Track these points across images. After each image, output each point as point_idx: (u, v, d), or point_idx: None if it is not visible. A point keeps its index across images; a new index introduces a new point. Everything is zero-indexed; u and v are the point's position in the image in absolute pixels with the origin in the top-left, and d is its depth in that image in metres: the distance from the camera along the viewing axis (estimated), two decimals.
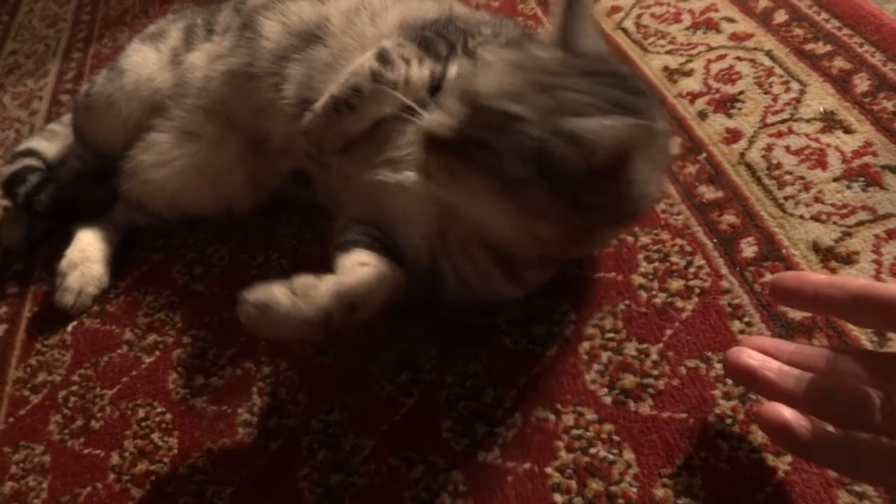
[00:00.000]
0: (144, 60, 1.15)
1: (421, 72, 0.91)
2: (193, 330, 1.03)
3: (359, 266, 0.87)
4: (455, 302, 0.90)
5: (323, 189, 1.06)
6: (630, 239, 0.95)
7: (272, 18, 1.07)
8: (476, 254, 0.85)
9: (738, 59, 1.14)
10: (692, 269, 0.90)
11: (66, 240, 1.20)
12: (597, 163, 0.66)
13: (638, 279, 0.90)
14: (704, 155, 1.02)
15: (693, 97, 1.11)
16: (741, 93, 1.08)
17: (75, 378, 1.02)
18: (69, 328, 1.09)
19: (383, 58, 0.92)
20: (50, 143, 1.28)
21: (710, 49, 1.18)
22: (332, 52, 1.00)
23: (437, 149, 0.74)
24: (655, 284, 0.89)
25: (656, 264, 0.91)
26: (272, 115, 1.04)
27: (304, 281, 0.80)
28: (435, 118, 0.75)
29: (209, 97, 1.10)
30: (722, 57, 1.15)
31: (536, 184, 0.69)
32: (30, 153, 1.24)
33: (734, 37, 1.18)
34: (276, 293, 0.79)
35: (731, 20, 1.22)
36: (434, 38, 0.93)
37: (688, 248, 0.92)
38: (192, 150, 1.12)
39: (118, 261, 1.17)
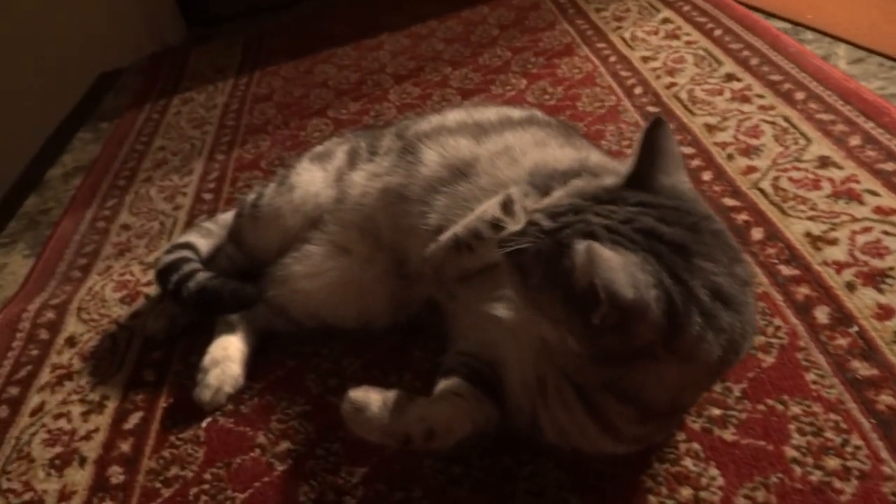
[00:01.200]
0: (312, 178, 1.23)
1: None
2: (327, 443, 1.05)
3: (452, 395, 0.94)
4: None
5: (449, 319, 1.09)
6: (779, 407, 0.94)
7: (433, 148, 1.14)
8: (571, 401, 0.85)
9: (885, 233, 1.15)
10: (849, 449, 0.87)
11: (203, 334, 1.27)
12: (584, 286, 0.70)
13: (790, 451, 0.88)
14: (856, 328, 1.01)
15: (839, 267, 1.11)
16: (891, 269, 1.08)
17: (207, 476, 1.04)
18: (203, 424, 1.13)
19: (506, 207, 0.97)
20: (205, 240, 1.36)
21: (855, 220, 1.19)
22: (473, 189, 1.07)
23: (504, 252, 0.80)
24: (810, 460, 0.87)
25: (809, 438, 0.90)
26: (412, 239, 1.10)
27: (397, 397, 0.90)
28: (511, 227, 0.83)
29: (362, 212, 1.17)
30: (867, 229, 1.16)
31: (547, 289, 0.76)
32: (187, 246, 1.33)
33: (879, 210, 1.19)
34: (372, 400, 0.89)
35: (873, 193, 1.23)
36: None
37: (843, 426, 0.90)
38: (343, 264, 1.18)
39: (253, 362, 1.21)
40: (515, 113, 1.22)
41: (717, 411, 0.95)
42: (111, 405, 1.21)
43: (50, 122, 2.43)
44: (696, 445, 0.92)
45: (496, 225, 0.96)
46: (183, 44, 2.85)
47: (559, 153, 1.08)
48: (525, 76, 1.93)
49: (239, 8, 2.98)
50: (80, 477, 1.09)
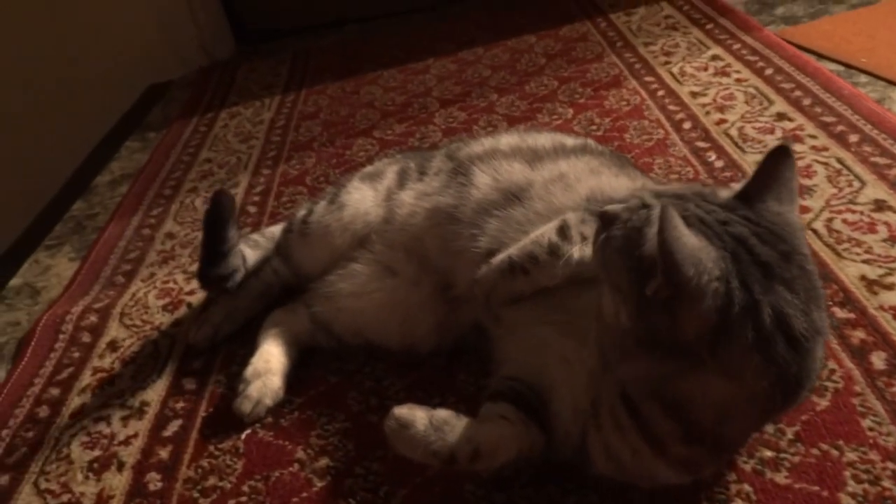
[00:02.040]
0: (363, 197, 1.24)
1: None
2: (367, 461, 1.04)
3: (498, 418, 0.93)
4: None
5: (494, 344, 1.08)
6: (834, 452, 0.91)
7: (486, 172, 1.14)
8: (624, 421, 0.83)
9: None
10: None
11: (244, 345, 1.28)
12: (652, 253, 0.72)
13: (846, 499, 0.86)
14: None
15: None
16: None
17: (245, 489, 1.04)
18: (243, 436, 1.12)
19: (563, 232, 0.97)
20: (252, 251, 1.38)
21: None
22: (527, 214, 1.06)
23: (601, 221, 0.83)
24: None
25: (866, 486, 0.87)
26: (461, 261, 1.10)
27: (443, 415, 0.90)
28: (614, 205, 0.85)
29: (409, 232, 1.18)
30: None
31: (621, 252, 0.78)
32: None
33: None
34: (417, 417, 0.89)
35: None
36: None
37: None
38: (389, 285, 1.18)
39: (294, 376, 1.20)
40: (569, 140, 1.22)
41: (769, 453, 0.93)
42: (151, 411, 1.21)
43: (99, 129, 2.49)
44: (747, 487, 0.90)
45: (553, 251, 0.95)
46: (231, 59, 2.90)
47: (614, 182, 1.08)
48: (572, 106, 1.93)
49: (287, 26, 3.03)
50: (117, 482, 1.09)
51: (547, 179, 1.09)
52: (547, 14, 2.61)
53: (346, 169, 1.85)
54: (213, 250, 1.29)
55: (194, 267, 1.58)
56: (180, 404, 1.22)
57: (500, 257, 1.01)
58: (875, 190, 1.35)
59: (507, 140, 1.23)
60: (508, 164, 1.15)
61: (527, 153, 1.17)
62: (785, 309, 0.73)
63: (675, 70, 2.00)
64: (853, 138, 1.52)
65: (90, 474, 1.12)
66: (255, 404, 1.14)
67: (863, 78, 1.80)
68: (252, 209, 1.78)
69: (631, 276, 0.76)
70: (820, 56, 1.93)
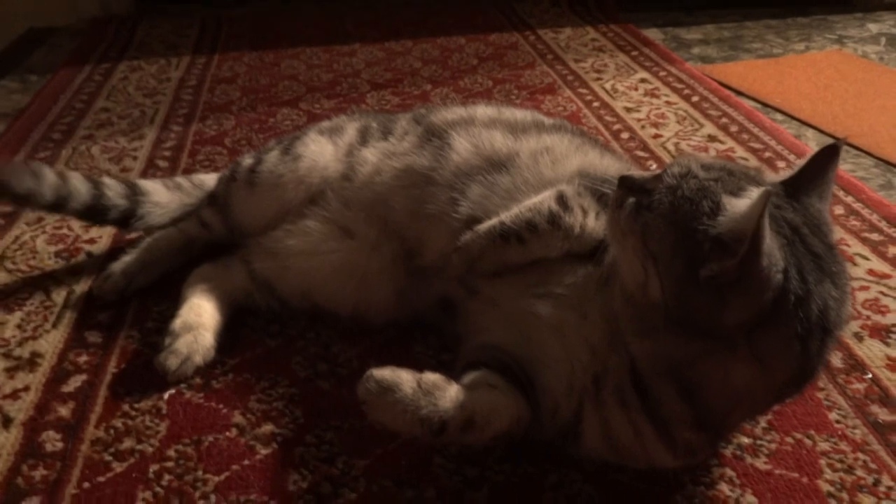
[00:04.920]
0: (322, 150, 1.13)
1: (597, 224, 0.91)
2: (319, 430, 0.92)
3: (487, 387, 0.85)
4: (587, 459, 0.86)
5: (465, 318, 1.01)
6: (808, 441, 0.91)
7: (464, 138, 1.08)
8: (630, 400, 0.79)
9: (883, 294, 1.18)
10: (882, 489, 0.86)
11: (159, 300, 1.14)
12: (722, 233, 0.68)
13: (825, 486, 0.86)
14: (870, 376, 1.02)
15: None
16: (895, 325, 1.11)
17: (171, 454, 0.89)
18: (166, 396, 0.97)
19: (563, 202, 0.92)
20: (169, 191, 1.25)
21: (852, 278, 1.21)
22: (514, 182, 1.01)
23: (624, 187, 0.79)
24: (845, 496, 0.85)
25: (841, 474, 0.87)
26: (434, 226, 1.02)
27: (433, 379, 0.82)
28: (638, 172, 0.81)
29: (372, 191, 1.09)
30: (865, 288, 1.20)
31: (666, 220, 0.72)
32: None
33: (872, 273, 1.24)
34: (403, 379, 0.80)
35: (864, 257, 1.28)
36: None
37: (872, 465, 0.88)
38: (346, 247, 1.07)
39: (223, 337, 1.06)
40: (546, 119, 1.18)
41: (746, 440, 0.92)
42: (45, 364, 1.03)
43: None
44: (729, 471, 0.87)
45: (553, 220, 0.90)
46: (128, 15, 2.65)
47: (603, 161, 1.05)
48: (509, 105, 1.91)
49: None
50: (3, 439, 0.91)
51: (534, 150, 1.04)
52: (476, 20, 2.61)
53: (271, 135, 1.71)
54: None
55: None
56: (83, 358, 1.04)
57: (489, 223, 0.94)
58: None
59: (483, 110, 1.17)
60: (488, 133, 1.09)
61: (506, 124, 1.11)
62: (829, 304, 0.72)
63: (608, 86, 2.04)
64: (781, 164, 1.60)
65: None
66: (183, 361, 0.99)
67: (779, 116, 1.91)
68: (162, 164, 1.60)
69: (677, 249, 0.71)
70: (738, 93, 2.04)
